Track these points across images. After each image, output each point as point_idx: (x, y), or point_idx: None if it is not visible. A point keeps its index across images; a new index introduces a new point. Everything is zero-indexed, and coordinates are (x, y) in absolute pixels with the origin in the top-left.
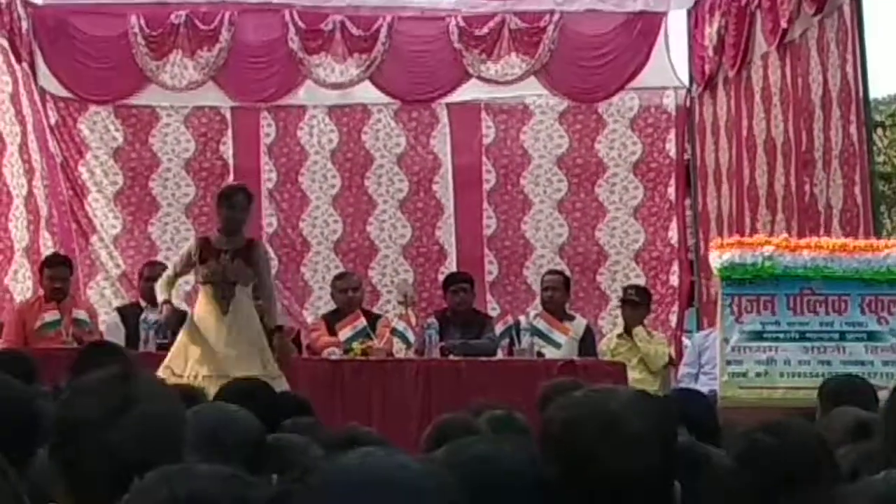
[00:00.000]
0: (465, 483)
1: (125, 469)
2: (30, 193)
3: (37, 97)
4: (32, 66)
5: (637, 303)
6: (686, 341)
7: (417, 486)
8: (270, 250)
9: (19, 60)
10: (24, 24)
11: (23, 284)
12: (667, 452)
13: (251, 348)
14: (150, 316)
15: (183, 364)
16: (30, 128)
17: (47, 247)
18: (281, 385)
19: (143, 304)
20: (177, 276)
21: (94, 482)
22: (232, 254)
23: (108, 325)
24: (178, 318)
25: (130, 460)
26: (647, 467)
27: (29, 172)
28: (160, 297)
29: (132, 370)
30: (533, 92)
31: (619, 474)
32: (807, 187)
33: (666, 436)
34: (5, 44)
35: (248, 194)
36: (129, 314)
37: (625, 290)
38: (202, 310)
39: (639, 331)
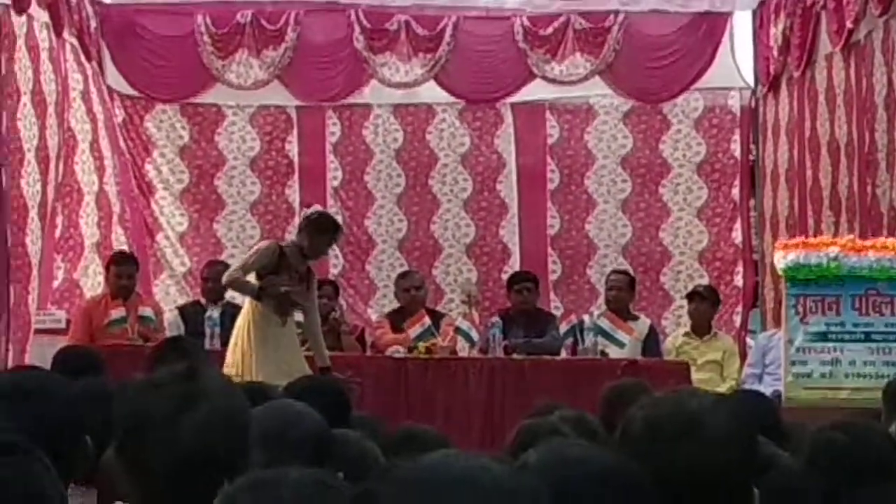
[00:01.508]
0: (560, 486)
1: (190, 467)
2: (101, 190)
3: (106, 95)
4: (101, 64)
5: (705, 298)
6: (750, 342)
7: (500, 487)
8: (336, 248)
9: (89, 59)
10: (93, 23)
11: (93, 280)
12: (747, 454)
13: (301, 367)
14: (214, 313)
15: (243, 367)
16: (101, 125)
17: (119, 242)
18: None
19: (203, 302)
20: (246, 273)
21: (158, 480)
22: (298, 277)
23: (169, 324)
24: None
25: (195, 458)
26: (728, 468)
27: (100, 169)
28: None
29: (198, 367)
30: (597, 92)
31: (700, 475)
32: (869, 188)
33: (746, 437)
34: (75, 42)
35: (342, 233)
36: (189, 312)
37: (694, 287)
38: (265, 319)
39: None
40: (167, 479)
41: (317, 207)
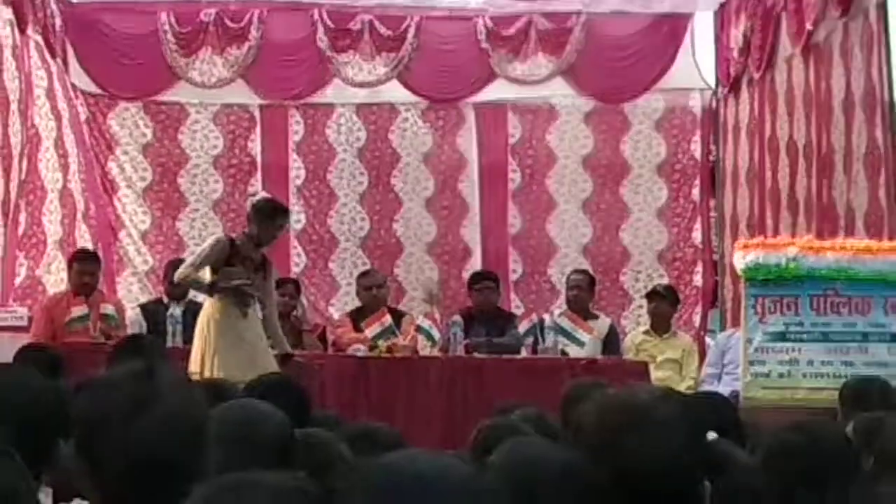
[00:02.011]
0: (521, 485)
1: (146, 467)
2: (65, 188)
3: (71, 93)
4: (65, 61)
5: (664, 297)
6: (709, 341)
7: (465, 487)
8: (299, 246)
9: (53, 56)
10: (58, 21)
11: (56, 277)
12: (695, 448)
13: (268, 352)
14: (176, 311)
15: (205, 365)
16: (66, 122)
17: (84, 240)
18: None
19: (166, 300)
20: (198, 269)
21: (116, 478)
22: (253, 266)
23: (131, 322)
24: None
25: (151, 458)
26: (676, 460)
27: (64, 167)
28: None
29: (156, 366)
30: (559, 92)
31: (649, 467)
32: (826, 190)
33: (694, 431)
34: (39, 40)
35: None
36: (151, 310)
37: (654, 287)
38: (225, 313)
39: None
40: (124, 478)
41: (262, 194)
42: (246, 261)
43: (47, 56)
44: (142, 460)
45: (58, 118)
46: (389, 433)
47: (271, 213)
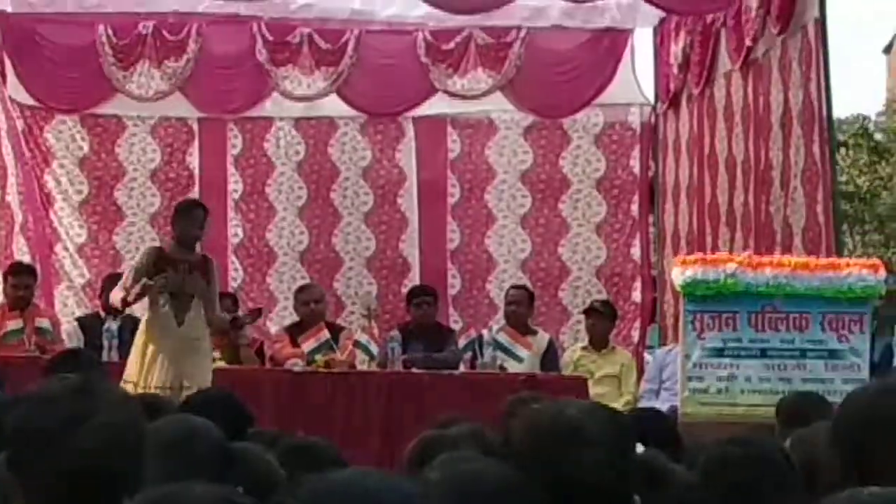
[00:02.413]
0: (462, 501)
1: (82, 482)
2: (2, 200)
3: (9, 104)
4: (3, 73)
5: (602, 313)
6: (648, 357)
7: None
8: (236, 260)
9: None
10: None
11: None
12: (624, 461)
13: (206, 361)
14: (112, 325)
15: (141, 376)
16: (3, 133)
17: (22, 252)
18: None
19: (102, 314)
20: (134, 285)
21: (49, 494)
22: (188, 267)
23: (68, 334)
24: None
25: (86, 473)
26: (603, 474)
27: (2, 178)
28: (117, 298)
29: (92, 380)
30: (498, 107)
31: (576, 480)
32: (764, 206)
33: (622, 444)
34: None
35: (205, 210)
36: (88, 324)
37: (591, 303)
38: (157, 320)
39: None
40: (59, 493)
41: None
42: (178, 263)
43: None
44: (77, 475)
45: None
46: (327, 447)
47: (185, 208)
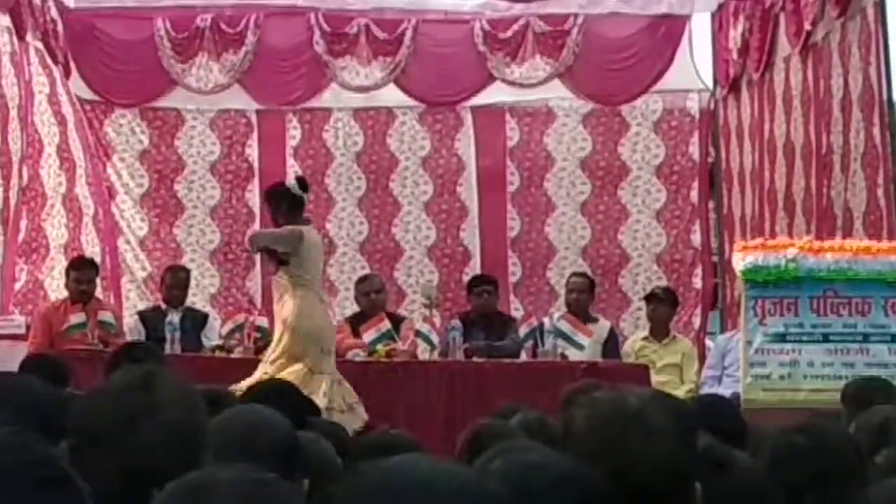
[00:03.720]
0: (522, 493)
1: (140, 476)
2: (69, 192)
3: (74, 98)
4: (66, 67)
5: (663, 299)
6: (709, 344)
7: (464, 491)
8: None
9: (55, 62)
10: (59, 26)
11: (59, 282)
12: (686, 449)
13: None
14: (174, 318)
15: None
16: (70, 127)
17: (92, 244)
18: None
19: (164, 307)
20: None
21: (110, 488)
22: None
23: (130, 329)
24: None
25: (146, 468)
26: (666, 462)
27: (69, 171)
28: None
29: (154, 375)
30: (557, 95)
31: (638, 469)
32: (825, 190)
33: (685, 432)
34: (40, 45)
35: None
36: (149, 318)
37: (652, 289)
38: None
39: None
40: (118, 489)
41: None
42: None
43: (49, 61)
44: (137, 471)
45: (61, 123)
46: (406, 440)
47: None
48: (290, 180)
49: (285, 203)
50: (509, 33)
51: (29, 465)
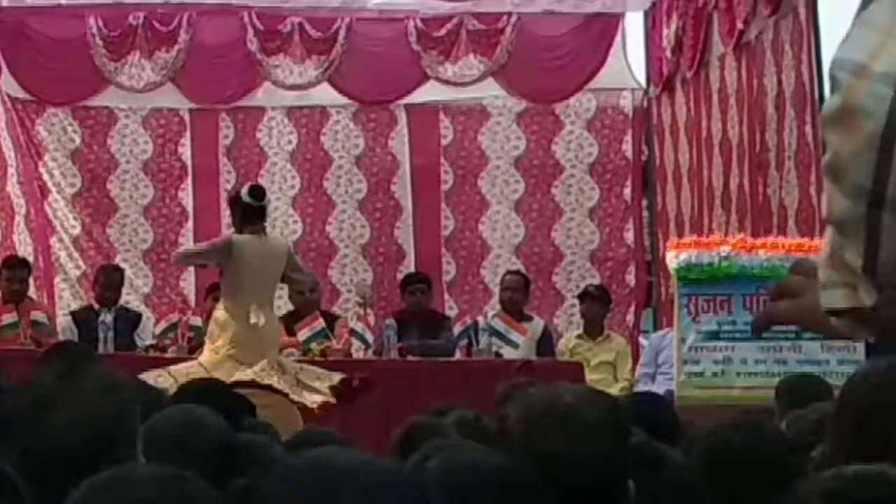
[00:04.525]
0: (456, 489)
1: (50, 464)
2: (1, 191)
3: (5, 97)
4: None
5: (596, 297)
6: (643, 342)
7: (381, 481)
8: None
9: None
10: None
11: None
12: (620, 446)
13: None
14: (107, 318)
15: None
16: (2, 125)
17: (24, 244)
18: None
19: (96, 306)
20: None
21: (28, 480)
22: None
23: (63, 329)
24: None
25: (55, 455)
26: (600, 459)
27: (1, 169)
28: None
29: (76, 367)
30: (491, 93)
31: (573, 466)
32: (760, 188)
33: (619, 429)
34: None
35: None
36: (82, 317)
37: (585, 287)
38: None
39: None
40: (32, 479)
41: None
42: None
43: None
44: (46, 456)
45: None
46: (334, 439)
47: None
48: (244, 189)
49: (238, 210)
50: (443, 32)
51: None
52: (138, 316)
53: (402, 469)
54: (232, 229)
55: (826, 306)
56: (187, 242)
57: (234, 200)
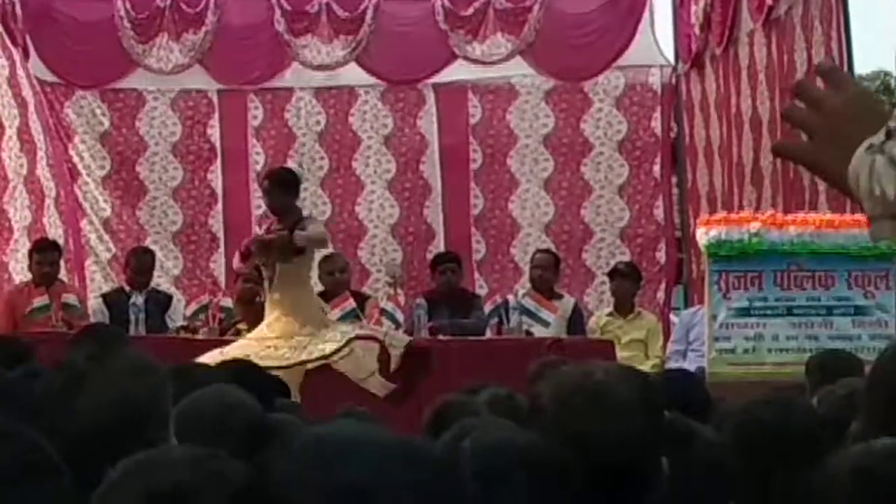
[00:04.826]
0: (489, 467)
1: (82, 444)
2: (31, 174)
3: (34, 80)
4: (25, 49)
5: (626, 274)
6: (674, 319)
7: (391, 453)
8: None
9: (15, 44)
10: (17, 8)
11: (23, 264)
12: (653, 423)
13: None
14: (138, 300)
15: None
16: (31, 108)
17: (54, 226)
18: None
19: (127, 289)
20: None
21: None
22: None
23: (94, 311)
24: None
25: (87, 434)
26: (634, 437)
27: (30, 153)
28: None
29: (108, 349)
30: (519, 72)
31: (606, 444)
32: (791, 164)
33: (651, 406)
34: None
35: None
36: (113, 300)
37: (615, 265)
38: None
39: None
40: (60, 456)
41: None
42: None
43: (8, 43)
44: (77, 443)
45: (22, 105)
46: (365, 416)
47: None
48: (295, 167)
49: (294, 190)
50: (470, 11)
51: (17, 452)
52: (169, 298)
53: (429, 446)
54: (262, 208)
55: (875, 237)
56: (217, 224)
57: (293, 179)
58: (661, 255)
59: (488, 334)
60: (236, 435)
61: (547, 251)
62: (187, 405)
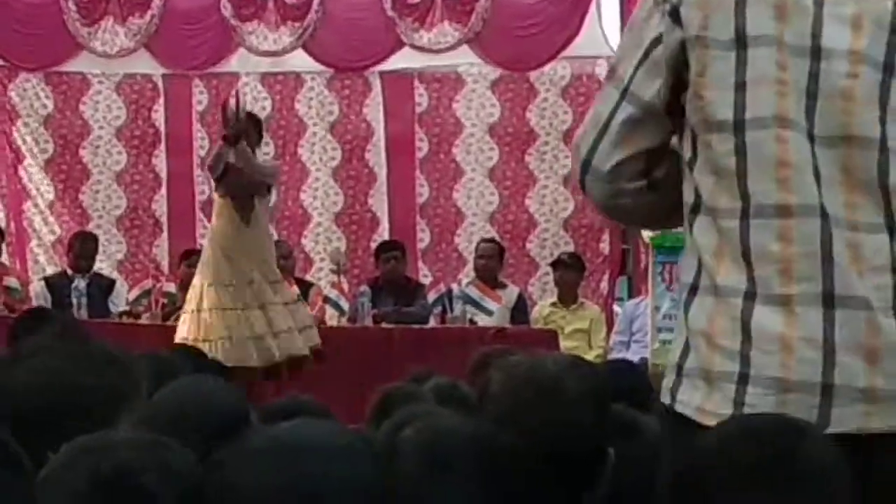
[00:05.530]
0: (434, 456)
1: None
2: None
3: None
4: None
5: (570, 265)
6: (617, 310)
7: (339, 451)
8: (203, 218)
9: None
10: None
11: None
12: (601, 414)
13: None
14: (81, 284)
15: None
16: None
17: None
18: None
19: (70, 272)
20: None
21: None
22: None
23: (35, 294)
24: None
25: (28, 425)
26: (583, 428)
27: None
28: None
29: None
30: (465, 60)
31: (554, 435)
32: None
33: (600, 398)
34: None
35: None
36: (55, 283)
37: (559, 255)
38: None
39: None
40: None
41: None
42: None
43: None
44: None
45: None
46: (312, 405)
47: None
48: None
49: (259, 138)
50: None
51: None
52: (112, 282)
53: (369, 438)
54: (206, 194)
55: None
56: (160, 209)
57: (253, 117)
58: (604, 246)
59: (432, 322)
60: (210, 428)
61: (491, 240)
62: (165, 395)
